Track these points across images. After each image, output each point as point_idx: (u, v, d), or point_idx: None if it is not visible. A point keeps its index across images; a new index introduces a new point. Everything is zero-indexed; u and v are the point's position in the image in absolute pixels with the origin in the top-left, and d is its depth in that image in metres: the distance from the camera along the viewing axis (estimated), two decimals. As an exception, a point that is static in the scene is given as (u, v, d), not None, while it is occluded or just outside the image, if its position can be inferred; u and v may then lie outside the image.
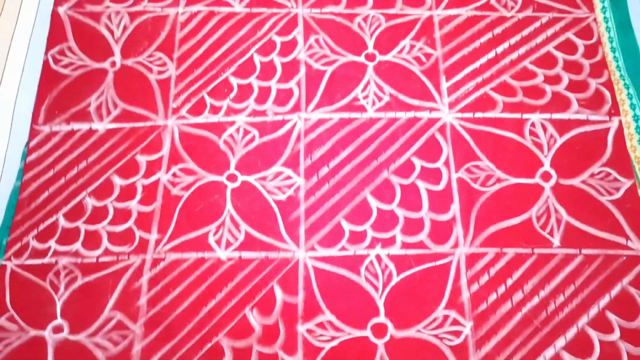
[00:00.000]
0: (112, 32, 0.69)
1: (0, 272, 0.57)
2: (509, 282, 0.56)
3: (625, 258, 0.57)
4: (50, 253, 0.58)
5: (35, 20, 0.70)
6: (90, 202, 0.60)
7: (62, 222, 0.59)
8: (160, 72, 0.67)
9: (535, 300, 0.56)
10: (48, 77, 0.66)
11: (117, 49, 0.68)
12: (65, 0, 0.70)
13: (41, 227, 0.59)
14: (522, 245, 0.58)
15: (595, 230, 0.59)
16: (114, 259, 0.58)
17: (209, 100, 0.65)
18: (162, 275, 0.57)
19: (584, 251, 0.58)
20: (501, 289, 0.56)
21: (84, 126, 0.64)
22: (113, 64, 0.67)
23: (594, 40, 0.68)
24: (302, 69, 0.67)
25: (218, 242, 0.58)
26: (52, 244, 0.58)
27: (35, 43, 0.69)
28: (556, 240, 0.58)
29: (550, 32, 0.68)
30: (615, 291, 0.56)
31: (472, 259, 0.57)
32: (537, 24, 0.69)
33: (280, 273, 0.57)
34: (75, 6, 0.70)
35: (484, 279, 0.57)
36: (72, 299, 0.56)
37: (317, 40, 0.68)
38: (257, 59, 0.67)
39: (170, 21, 0.69)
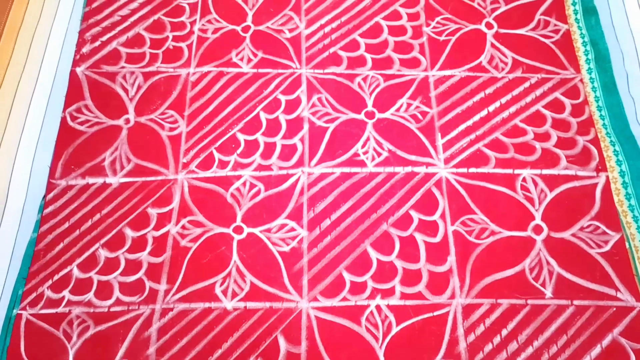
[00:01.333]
0: (126, 91, 0.73)
1: (15, 321, 0.59)
2: (504, 332, 0.59)
3: (615, 309, 0.59)
4: (64, 303, 0.60)
5: (54, 80, 0.74)
6: (103, 254, 0.63)
7: (76, 273, 0.62)
8: (171, 129, 0.70)
9: (530, 350, 0.58)
10: (65, 134, 0.70)
11: (131, 107, 0.72)
12: (83, 61, 0.75)
13: (56, 277, 0.62)
14: (516, 296, 0.60)
15: (585, 282, 0.61)
16: (124, 309, 0.60)
17: (217, 156, 0.69)
18: (171, 325, 0.59)
19: (576, 302, 0.60)
20: (496, 339, 0.58)
21: (98, 180, 0.67)
22: (127, 121, 0.71)
23: (580, 100, 0.72)
24: (306, 126, 0.70)
25: (224, 292, 0.61)
26: (66, 293, 0.61)
27: (53, 101, 0.73)
28: (548, 292, 0.61)
29: (539, 91, 0.72)
30: (606, 341, 0.58)
31: (468, 310, 0.60)
32: (526, 84, 0.73)
33: (284, 323, 0.59)
34: (92, 66, 0.75)
35: (480, 329, 0.59)
36: (84, 348, 0.58)
37: (319, 99, 0.72)
38: (263, 117, 0.71)
39: (182, 81, 0.74)
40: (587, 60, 0.75)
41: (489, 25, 0.77)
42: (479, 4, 0.79)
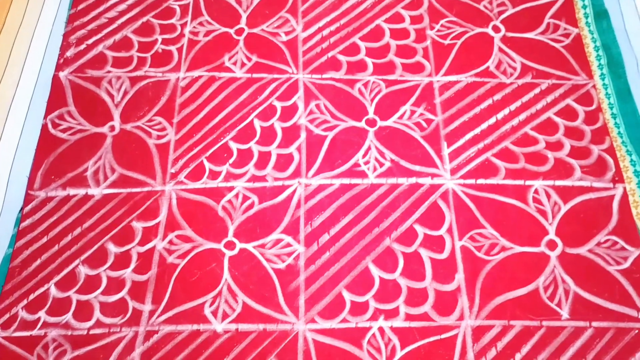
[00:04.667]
0: (112, 97, 0.69)
1: (-15, 345, 0.55)
2: (518, 356, 0.54)
3: (637, 331, 0.55)
4: (39, 324, 0.56)
5: (35, 85, 0.70)
6: (83, 271, 0.58)
7: (54, 292, 0.57)
8: (159, 137, 0.66)
9: (546, 377, 0.53)
10: (46, 142, 0.66)
11: (116, 114, 0.67)
12: (67, 65, 0.71)
13: (31, 296, 0.57)
14: (530, 317, 0.56)
15: (604, 302, 0.57)
16: (105, 331, 0.55)
17: (208, 165, 0.64)
18: (156, 349, 0.55)
19: (594, 324, 0.56)
20: (510, 365, 0.54)
21: (80, 191, 0.63)
22: (112, 128, 0.67)
23: (594, 107, 0.68)
24: (303, 134, 0.66)
25: (214, 313, 0.56)
26: (42, 314, 0.56)
27: (34, 107, 0.69)
28: (565, 312, 0.56)
29: (550, 98, 0.68)
30: (628, 367, 0.54)
31: (478, 332, 0.55)
32: (536, 91, 0.69)
33: (279, 347, 0.55)
34: (76, 71, 0.70)
35: (492, 353, 0.54)
36: (59, 375, 0.53)
37: (317, 106, 0.68)
38: (257, 124, 0.67)
39: (171, 86, 0.69)
40: (599, 66, 0.71)
41: (496, 29, 0.73)
42: (485, 7, 0.75)
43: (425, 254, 0.59)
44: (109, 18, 0.74)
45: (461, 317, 0.56)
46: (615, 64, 0.71)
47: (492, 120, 0.67)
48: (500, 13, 0.75)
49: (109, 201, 0.62)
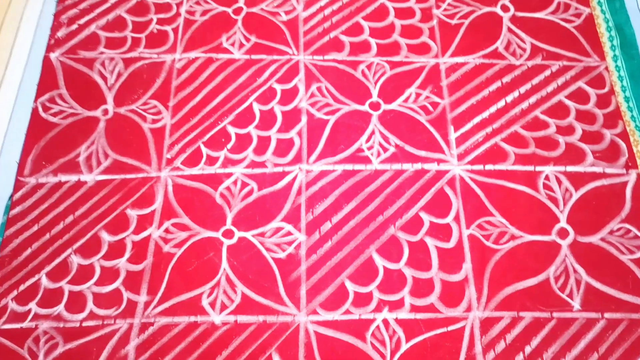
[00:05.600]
0: (105, 79, 0.66)
1: (-26, 338, 0.53)
2: (528, 349, 0.53)
3: (651, 323, 0.53)
4: (30, 316, 0.54)
5: (25, 67, 0.68)
6: (76, 260, 0.56)
7: (45, 282, 0.55)
8: (154, 121, 0.64)
9: (557, 370, 0.52)
10: (36, 126, 0.63)
11: (110, 97, 0.65)
12: (58, 46, 0.68)
13: (22, 287, 0.55)
14: (540, 308, 0.54)
15: (617, 292, 0.55)
16: (99, 324, 0.54)
17: (205, 151, 0.62)
18: (151, 341, 0.53)
19: (607, 315, 0.54)
20: (519, 358, 0.52)
21: (72, 178, 0.60)
22: (105, 112, 0.64)
23: (606, 90, 0.65)
24: (304, 118, 0.64)
25: (212, 304, 0.54)
26: (32, 306, 0.54)
27: (24, 90, 0.66)
28: (576, 303, 0.54)
29: (560, 80, 0.66)
30: (642, 360, 0.52)
31: (486, 324, 0.54)
32: (547, 73, 0.66)
33: (280, 339, 0.53)
34: (68, 52, 0.68)
35: (500, 346, 0.53)
36: (51, 369, 0.52)
37: (319, 88, 0.66)
38: (257, 108, 0.65)
39: (167, 68, 0.67)
40: (612, 47, 0.68)
41: (505, 8, 0.71)
42: (493, -15, 0.72)
43: (431, 242, 0.57)
44: (101, -3, 0.72)
45: (469, 309, 0.54)
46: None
47: (501, 104, 0.65)
48: (509, -8, 0.72)
49: (103, 188, 0.60)
